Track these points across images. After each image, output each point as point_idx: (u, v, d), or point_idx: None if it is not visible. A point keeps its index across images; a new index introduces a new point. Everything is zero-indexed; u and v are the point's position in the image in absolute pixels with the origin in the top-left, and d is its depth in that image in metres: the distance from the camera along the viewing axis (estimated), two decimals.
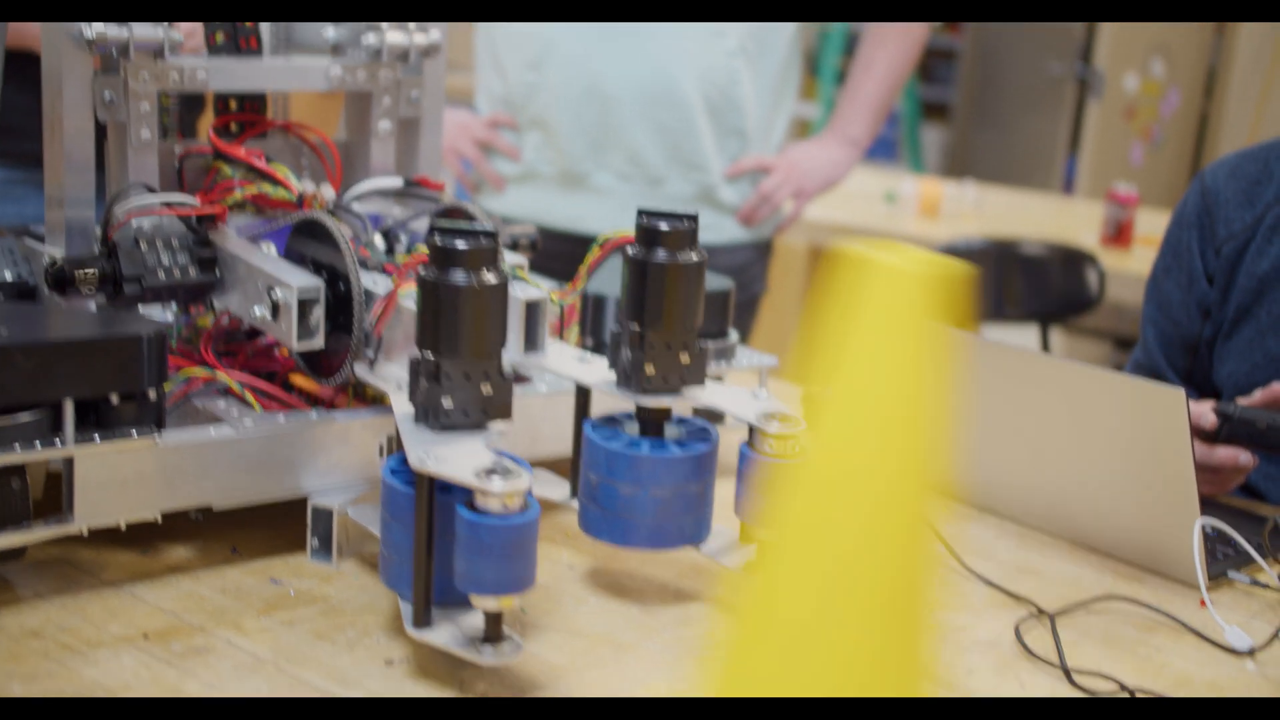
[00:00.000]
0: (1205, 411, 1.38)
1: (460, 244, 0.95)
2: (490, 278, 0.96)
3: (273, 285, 1.12)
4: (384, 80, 1.39)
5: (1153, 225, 3.43)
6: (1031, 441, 1.29)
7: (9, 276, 1.22)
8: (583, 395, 1.19)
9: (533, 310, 1.11)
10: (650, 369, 1.08)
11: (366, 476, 1.15)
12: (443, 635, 0.94)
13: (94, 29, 1.16)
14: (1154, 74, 6.00)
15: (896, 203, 3.83)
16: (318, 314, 1.12)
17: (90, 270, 1.16)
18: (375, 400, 1.24)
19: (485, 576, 0.90)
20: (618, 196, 2.25)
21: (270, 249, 1.24)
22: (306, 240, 1.20)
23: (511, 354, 1.11)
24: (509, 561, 0.89)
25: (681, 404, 1.10)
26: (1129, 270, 3.26)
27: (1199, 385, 1.63)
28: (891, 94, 2.37)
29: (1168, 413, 1.15)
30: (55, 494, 1.04)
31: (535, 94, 2.21)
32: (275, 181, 1.28)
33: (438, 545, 0.95)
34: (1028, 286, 3.34)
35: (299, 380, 1.27)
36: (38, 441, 1.00)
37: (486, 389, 0.98)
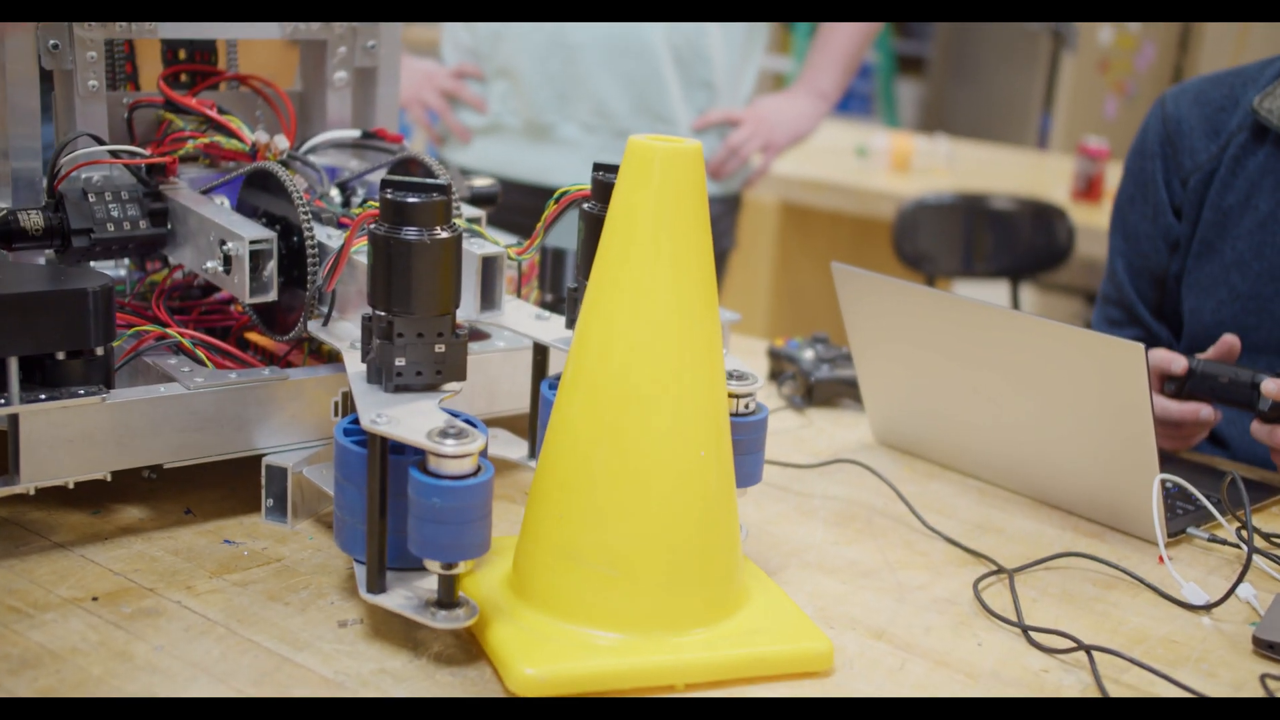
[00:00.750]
0: (1175, 358, 1.37)
1: (412, 199, 0.94)
2: (443, 233, 0.95)
3: (224, 238, 1.10)
4: (339, 29, 1.36)
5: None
6: (992, 397, 1.29)
7: None
8: (540, 354, 1.17)
9: (489, 266, 1.10)
10: None
11: (322, 435, 1.14)
12: (396, 599, 0.93)
13: None
14: (1129, 28, 5.98)
15: (867, 157, 3.81)
16: (270, 267, 1.09)
17: (37, 223, 1.13)
18: (331, 357, 1.23)
19: (439, 541, 0.88)
20: (584, 149, 2.23)
21: (223, 202, 1.22)
22: (259, 193, 1.17)
23: (467, 311, 1.09)
24: (463, 527, 0.88)
25: None
26: (1099, 225, 3.26)
27: (1169, 318, 1.62)
28: (861, 47, 2.35)
29: (1127, 368, 1.15)
30: (2, 453, 1.03)
31: (501, 43, 2.18)
32: (228, 132, 1.25)
33: (392, 507, 0.93)
34: (997, 242, 3.33)
35: (255, 337, 1.25)
36: None
37: (440, 348, 0.97)
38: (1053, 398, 1.23)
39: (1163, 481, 1.17)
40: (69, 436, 1.01)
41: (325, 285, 1.09)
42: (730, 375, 1.05)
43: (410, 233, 0.93)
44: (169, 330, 1.16)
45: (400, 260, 0.94)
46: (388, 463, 0.92)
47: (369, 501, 0.92)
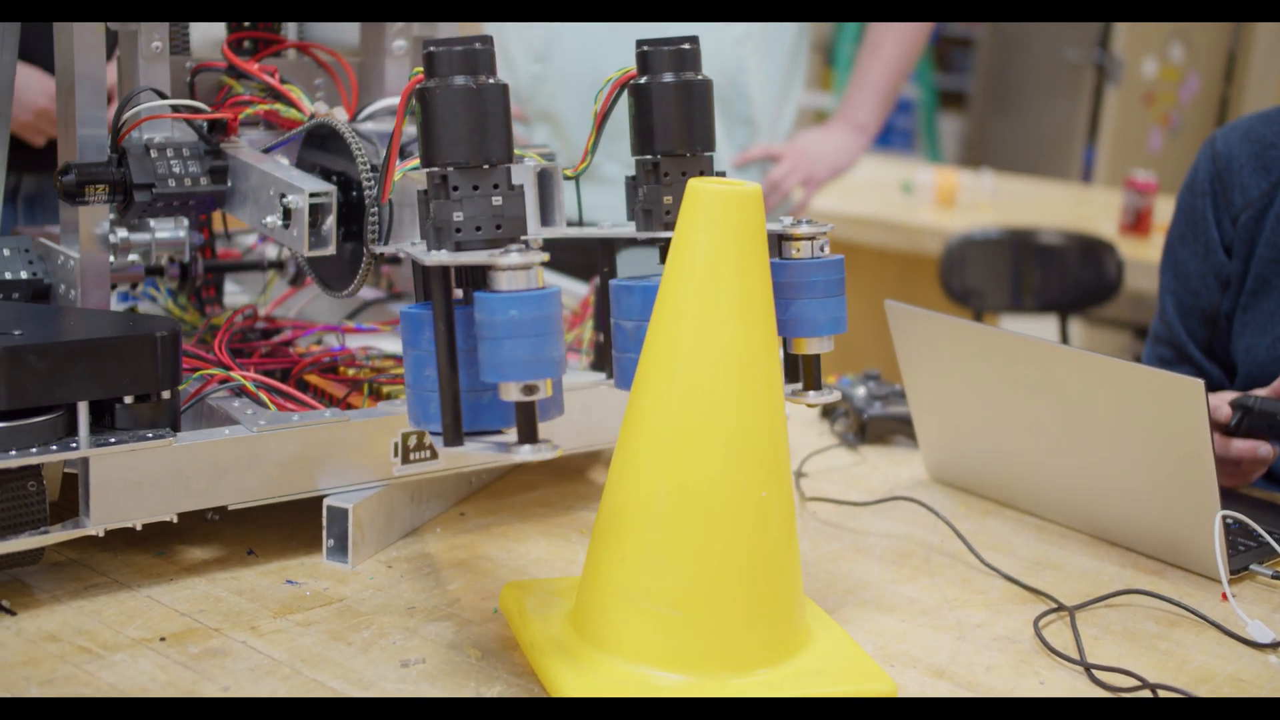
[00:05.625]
0: (1220, 404, 1.36)
1: (457, 48, 0.93)
2: (489, 80, 0.93)
3: (284, 191, 1.11)
4: None
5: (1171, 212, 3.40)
6: (1049, 433, 1.28)
7: (24, 275, 1.23)
8: (607, 258, 1.15)
9: (545, 180, 1.09)
10: (669, 199, 1.05)
11: (381, 476, 1.15)
12: (475, 447, 0.92)
13: None
14: (1173, 59, 5.96)
15: (913, 193, 3.81)
16: (330, 221, 1.10)
17: (101, 185, 1.14)
18: (390, 397, 1.24)
19: (518, 358, 0.87)
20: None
21: (282, 159, 1.22)
22: (318, 152, 1.18)
23: (529, 228, 1.08)
24: (542, 338, 0.87)
25: None
26: (1148, 258, 3.23)
27: (1219, 357, 1.61)
28: (899, 79, 2.35)
29: (1186, 404, 1.14)
30: (72, 495, 1.05)
31: (542, 85, 2.21)
32: (288, 101, 1.26)
33: (461, 366, 0.92)
34: (1045, 277, 3.32)
35: (314, 378, 1.27)
36: (53, 443, 1.00)
37: (498, 200, 0.95)
38: (1110, 434, 1.23)
39: (1224, 517, 1.16)
40: (137, 479, 1.03)
41: (379, 198, 1.09)
42: (798, 224, 1.04)
43: (457, 80, 0.92)
44: (232, 373, 1.18)
45: (449, 108, 0.92)
46: (452, 303, 0.92)
47: (437, 344, 0.91)
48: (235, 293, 1.59)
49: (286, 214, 1.09)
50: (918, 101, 6.63)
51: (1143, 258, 3.24)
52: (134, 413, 1.04)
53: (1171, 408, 1.15)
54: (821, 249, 1.04)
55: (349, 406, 1.22)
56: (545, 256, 0.89)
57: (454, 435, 0.92)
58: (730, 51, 2.17)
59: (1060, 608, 1.12)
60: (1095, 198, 4.28)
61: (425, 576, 1.12)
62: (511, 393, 0.89)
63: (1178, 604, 1.14)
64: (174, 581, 1.07)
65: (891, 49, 2.30)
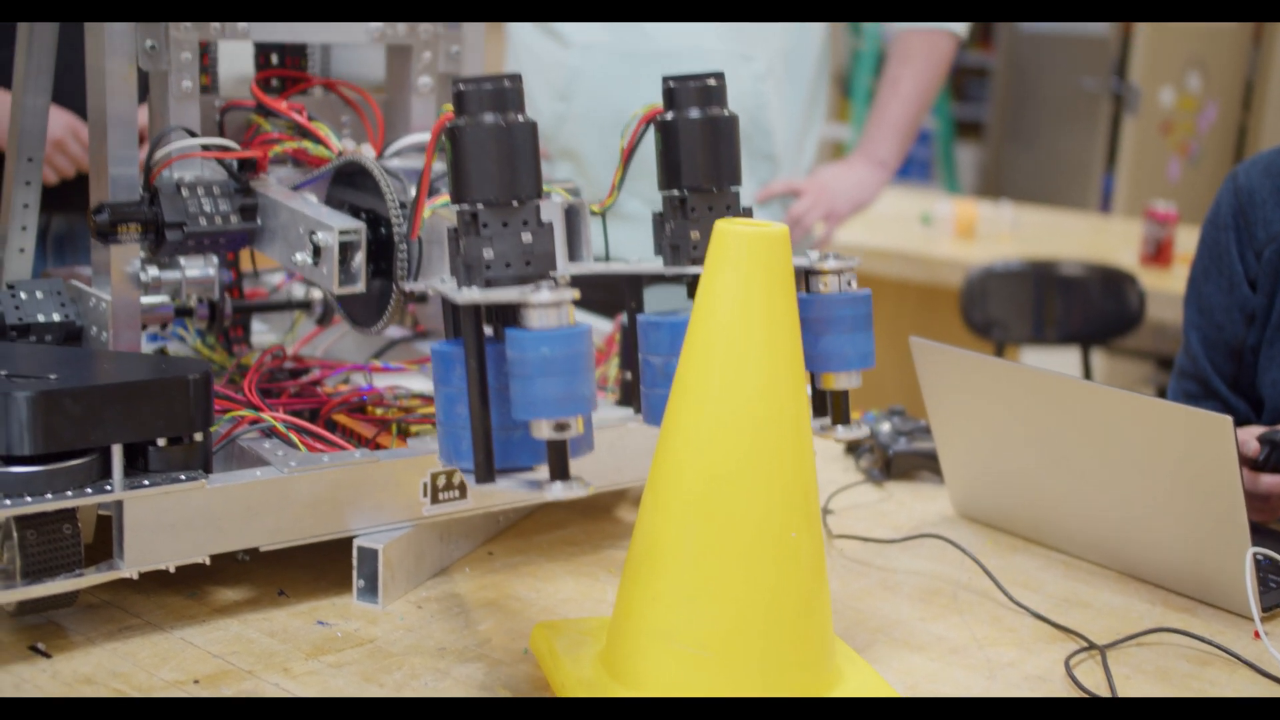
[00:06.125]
0: (1248, 439, 1.36)
1: (486, 86, 0.94)
2: (518, 118, 0.94)
3: (314, 229, 1.12)
4: (424, 34, 1.38)
5: (1193, 243, 3.40)
6: (1076, 470, 1.28)
7: (56, 317, 1.24)
8: (635, 293, 1.16)
9: (572, 215, 1.09)
10: (696, 234, 1.06)
11: (411, 516, 1.15)
12: (507, 484, 0.93)
13: None
14: (1190, 88, 5.96)
15: (932, 224, 3.81)
16: (359, 258, 1.11)
17: (133, 224, 1.16)
18: (419, 436, 1.25)
19: (549, 395, 0.88)
20: (649, 221, 2.25)
21: (311, 197, 1.24)
22: (346, 189, 1.19)
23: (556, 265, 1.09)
24: (573, 375, 0.88)
25: None
26: (1170, 289, 3.23)
27: (1246, 392, 1.60)
28: (919, 113, 2.36)
29: (1215, 441, 1.14)
30: (105, 537, 1.05)
31: (564, 124, 2.22)
32: (316, 139, 1.28)
33: (493, 404, 0.93)
34: (1067, 308, 3.31)
35: (342, 418, 1.28)
36: (88, 486, 1.01)
37: (527, 237, 0.96)
38: (1139, 471, 1.23)
39: (1254, 554, 1.16)
40: (170, 522, 1.04)
41: (410, 233, 1.09)
42: (825, 258, 1.04)
43: (487, 118, 0.93)
44: (263, 414, 1.19)
45: (479, 145, 0.93)
46: (483, 341, 0.92)
47: (469, 381, 0.92)
48: (262, 331, 1.61)
49: (316, 251, 1.10)
50: (934, 131, 6.65)
51: (1165, 289, 3.23)
52: (167, 455, 1.05)
53: (1200, 444, 1.15)
54: (849, 283, 1.04)
55: (378, 446, 1.22)
56: (576, 294, 0.90)
57: (486, 472, 0.93)
58: (751, 88, 2.18)
59: (1091, 646, 1.12)
60: (1115, 228, 4.27)
61: (455, 617, 1.12)
62: (543, 430, 0.89)
63: (1210, 642, 1.13)
64: (206, 623, 1.08)
65: (910, 85, 2.31)
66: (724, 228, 0.94)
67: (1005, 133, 7.03)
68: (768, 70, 2.19)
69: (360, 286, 1.11)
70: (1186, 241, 3.51)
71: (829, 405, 1.08)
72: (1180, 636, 1.15)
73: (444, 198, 1.05)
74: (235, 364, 1.35)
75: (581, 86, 2.18)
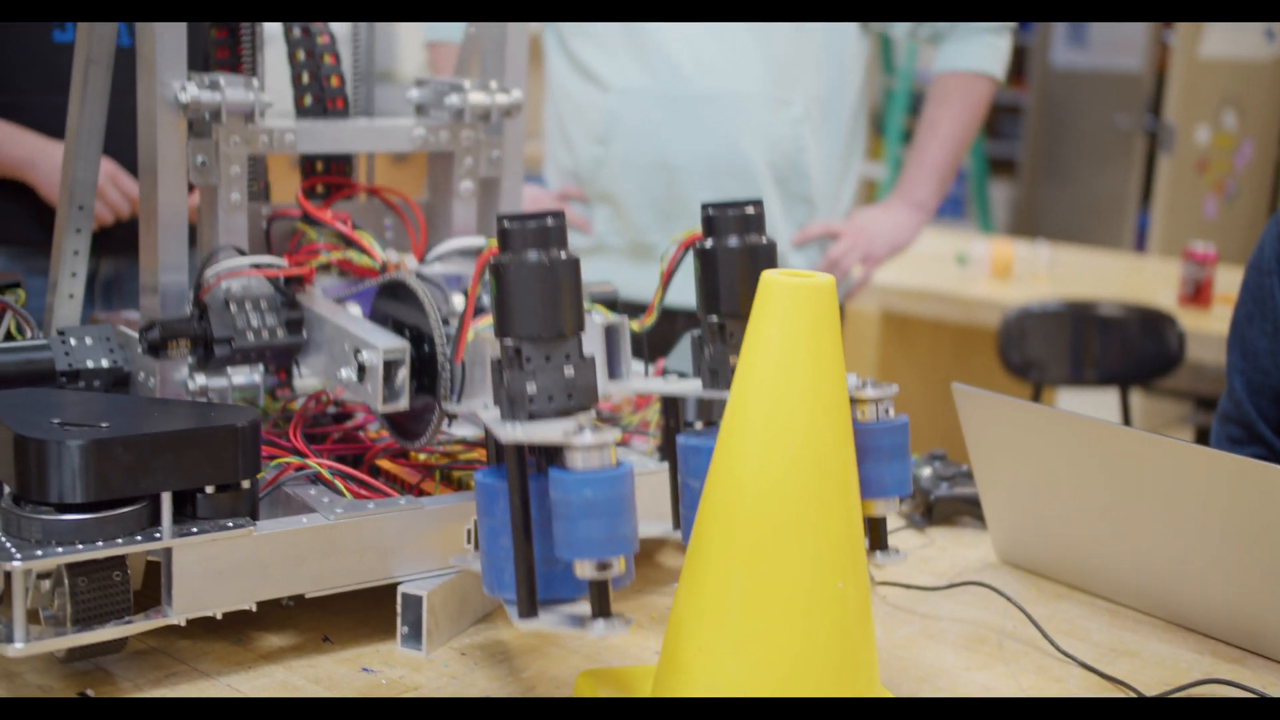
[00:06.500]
0: None
1: (530, 224, 0.96)
2: (562, 255, 0.97)
3: (359, 347, 1.13)
4: (466, 140, 1.41)
5: (1232, 283, 3.37)
6: (1123, 517, 1.27)
7: (105, 364, 1.25)
8: (671, 412, 1.17)
9: (612, 335, 1.11)
10: (734, 360, 1.06)
11: (455, 562, 1.16)
12: (550, 620, 0.94)
13: (188, 93, 1.19)
14: (1226, 126, 5.94)
15: (968, 264, 3.80)
16: (403, 375, 1.12)
17: (183, 339, 1.18)
18: (461, 485, 1.25)
19: (592, 536, 0.89)
20: (687, 265, 2.25)
21: (355, 309, 1.25)
22: (391, 301, 1.21)
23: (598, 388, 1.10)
24: (615, 517, 0.89)
25: None
26: (1209, 330, 3.21)
27: None
28: (957, 155, 2.37)
29: (1266, 490, 1.13)
30: (152, 583, 1.06)
31: (602, 167, 2.24)
32: (360, 248, 1.30)
33: (536, 537, 0.94)
34: (1106, 349, 3.29)
35: (386, 464, 1.29)
36: (138, 534, 1.02)
37: (570, 371, 0.98)
38: (1187, 519, 1.22)
39: None
40: (218, 569, 1.05)
41: (453, 358, 1.11)
42: (862, 386, 1.05)
43: (531, 255, 0.96)
44: (308, 460, 1.19)
45: (523, 283, 0.96)
46: (527, 477, 0.94)
47: (513, 518, 0.94)
48: (305, 375, 1.61)
49: (361, 369, 1.12)
50: (968, 169, 6.65)
51: (1204, 329, 3.21)
52: (215, 502, 1.06)
53: (1250, 494, 1.14)
54: (886, 411, 1.05)
55: (421, 493, 1.23)
56: (619, 435, 0.92)
57: (529, 608, 0.95)
58: (789, 132, 2.19)
59: (1140, 698, 1.11)
60: (1151, 267, 4.25)
61: (499, 664, 1.12)
62: (586, 570, 0.91)
63: (1260, 694, 1.12)
64: (252, 669, 1.08)
65: (948, 127, 2.31)
66: (770, 279, 0.94)
67: (1038, 170, 7.01)
68: (805, 114, 2.20)
69: (404, 404, 1.13)
70: (1225, 282, 3.49)
71: (867, 530, 1.08)
72: (1230, 688, 1.14)
73: (486, 319, 1.07)
74: (279, 410, 1.36)
75: (620, 130, 2.19)
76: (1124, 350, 3.27)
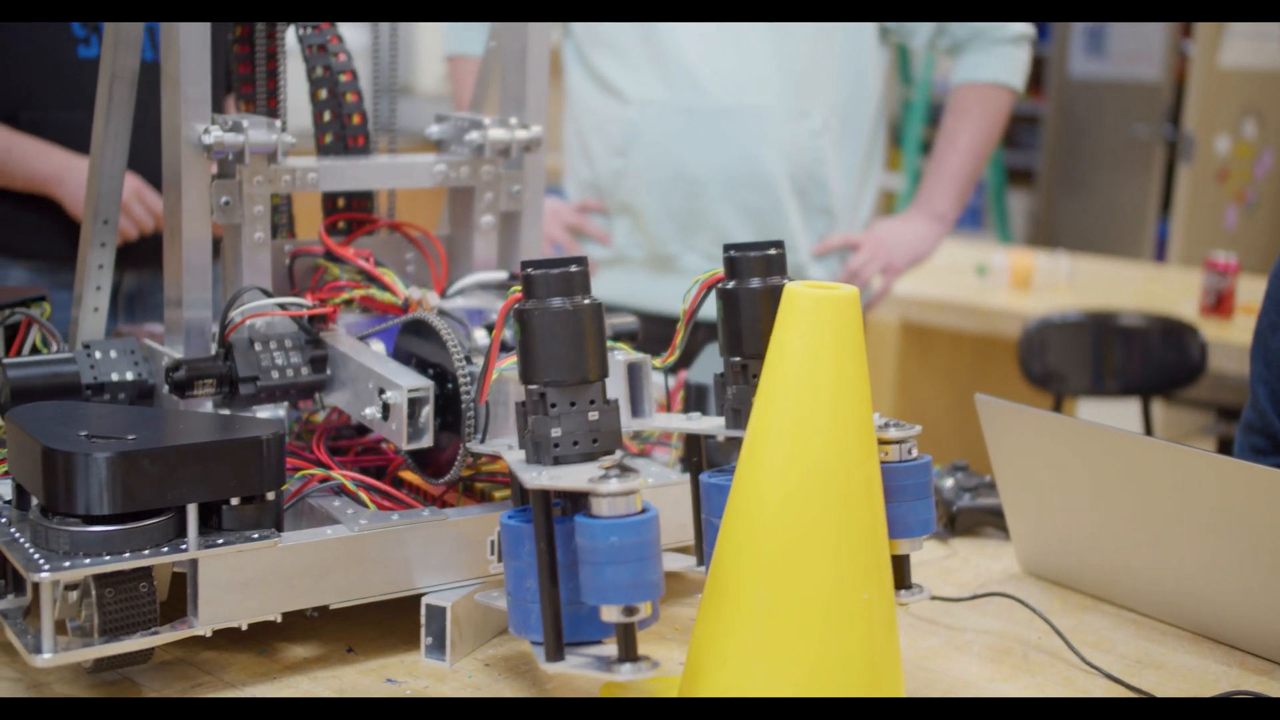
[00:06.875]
0: None
1: (554, 270, 0.97)
2: (585, 300, 0.97)
3: (383, 386, 1.14)
4: (486, 175, 1.42)
5: (1253, 292, 3.36)
6: (1148, 528, 1.27)
7: (130, 376, 1.26)
8: (694, 449, 1.18)
9: (635, 373, 1.12)
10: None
11: (478, 574, 1.16)
12: (576, 663, 0.95)
13: (212, 135, 1.20)
14: (1246, 135, 5.92)
15: (988, 275, 3.80)
16: (426, 413, 1.13)
17: (209, 379, 1.20)
18: (484, 496, 1.25)
19: (619, 582, 0.89)
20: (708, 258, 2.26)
21: (379, 346, 1.26)
22: (414, 338, 1.22)
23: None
24: (642, 563, 0.89)
25: None
26: (1231, 340, 3.19)
27: None
28: (977, 167, 2.36)
29: None
30: (178, 594, 1.07)
31: (622, 180, 2.24)
32: (382, 285, 1.31)
33: (562, 578, 0.95)
34: (1127, 359, 3.28)
35: (409, 475, 1.29)
36: (164, 545, 1.02)
37: (594, 415, 0.98)
38: (1212, 530, 1.21)
39: None
40: (244, 580, 1.05)
41: (478, 398, 1.12)
42: (885, 426, 1.05)
43: (555, 302, 0.97)
44: (332, 472, 1.20)
45: (547, 329, 0.96)
46: (553, 522, 0.94)
47: (539, 562, 0.94)
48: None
49: (385, 408, 1.13)
50: (986, 180, 6.63)
51: (1226, 339, 3.19)
52: (240, 514, 1.06)
53: (1275, 504, 1.14)
54: (910, 451, 1.05)
55: (445, 504, 1.23)
56: (644, 482, 0.92)
57: (555, 651, 0.95)
58: (808, 143, 2.19)
59: (1162, 698, 1.10)
60: (1172, 277, 4.24)
61: (522, 675, 1.12)
62: (612, 614, 0.91)
63: None
64: (277, 680, 1.09)
65: (968, 139, 2.31)
66: (794, 290, 0.94)
67: (1056, 180, 6.99)
68: (824, 125, 2.20)
69: (428, 441, 1.14)
70: (1247, 291, 3.47)
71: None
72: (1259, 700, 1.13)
73: (510, 359, 1.08)
74: (302, 422, 1.36)
75: (639, 143, 2.20)
76: (1145, 360, 3.26)
